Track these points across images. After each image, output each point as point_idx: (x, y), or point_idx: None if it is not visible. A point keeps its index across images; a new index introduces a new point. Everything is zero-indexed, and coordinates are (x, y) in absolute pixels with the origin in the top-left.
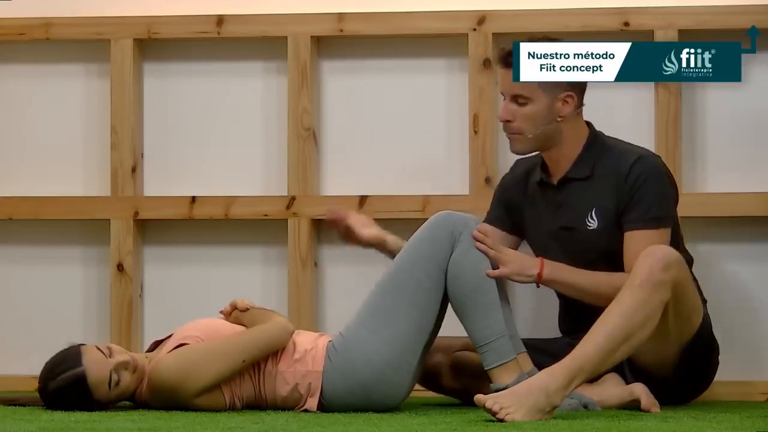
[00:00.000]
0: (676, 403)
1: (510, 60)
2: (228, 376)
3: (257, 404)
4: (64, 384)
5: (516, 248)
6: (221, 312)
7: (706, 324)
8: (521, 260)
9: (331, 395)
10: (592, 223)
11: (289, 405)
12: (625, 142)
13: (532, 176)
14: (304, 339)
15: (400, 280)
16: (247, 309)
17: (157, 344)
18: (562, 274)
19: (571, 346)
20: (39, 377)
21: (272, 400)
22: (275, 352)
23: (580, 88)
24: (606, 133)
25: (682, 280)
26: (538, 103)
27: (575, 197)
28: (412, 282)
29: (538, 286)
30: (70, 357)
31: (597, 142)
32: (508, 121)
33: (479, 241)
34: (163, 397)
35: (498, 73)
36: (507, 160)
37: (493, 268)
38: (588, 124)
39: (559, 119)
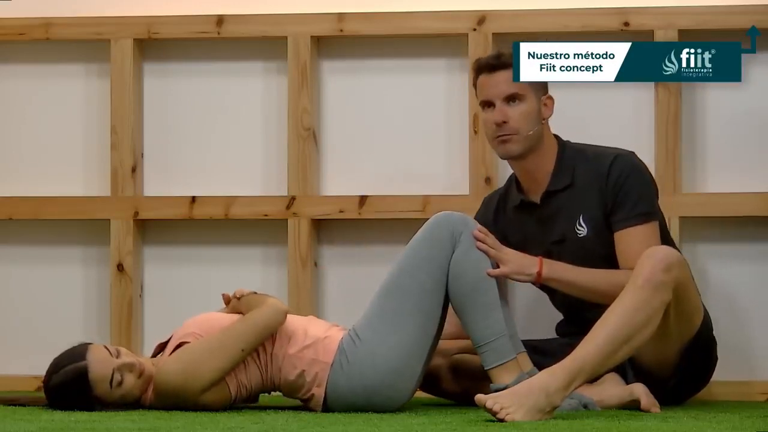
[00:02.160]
0: (676, 402)
1: (498, 63)
2: (230, 368)
3: (264, 389)
4: (66, 378)
5: None
6: (223, 295)
7: (707, 324)
8: (521, 259)
9: (334, 393)
10: (582, 230)
11: (294, 391)
12: (595, 145)
13: (508, 203)
14: (316, 326)
15: (403, 282)
16: (242, 296)
17: (160, 346)
18: (561, 272)
19: (569, 346)
20: (45, 373)
21: (278, 385)
22: (285, 337)
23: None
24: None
25: (684, 280)
26: (530, 102)
27: (560, 208)
28: (414, 284)
29: (536, 285)
30: (76, 353)
31: (568, 151)
32: (504, 122)
33: (480, 241)
34: (170, 400)
35: (480, 82)
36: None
37: (493, 268)
38: (555, 135)
39: (543, 121)
